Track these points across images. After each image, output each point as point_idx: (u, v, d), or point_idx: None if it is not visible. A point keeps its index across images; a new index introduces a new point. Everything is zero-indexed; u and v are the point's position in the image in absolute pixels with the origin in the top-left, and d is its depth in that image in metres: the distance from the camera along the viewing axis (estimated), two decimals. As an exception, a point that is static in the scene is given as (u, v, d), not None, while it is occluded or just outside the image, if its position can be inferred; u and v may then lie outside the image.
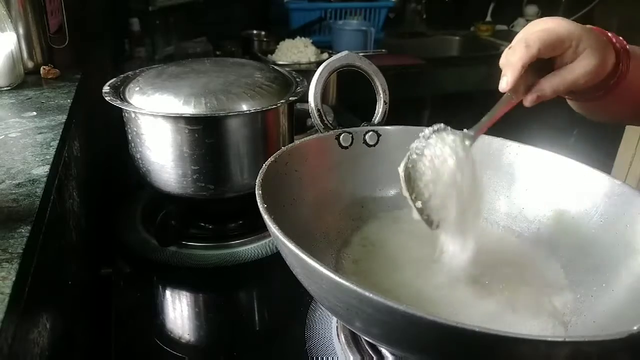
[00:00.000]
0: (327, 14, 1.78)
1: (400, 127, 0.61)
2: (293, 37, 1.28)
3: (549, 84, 0.49)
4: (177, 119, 0.62)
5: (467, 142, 0.48)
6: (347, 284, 0.32)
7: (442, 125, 0.48)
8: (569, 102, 0.61)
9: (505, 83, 0.48)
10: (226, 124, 0.63)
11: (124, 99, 0.67)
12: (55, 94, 0.74)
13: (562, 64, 0.49)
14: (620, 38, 0.53)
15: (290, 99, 0.68)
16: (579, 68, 0.48)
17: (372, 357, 0.49)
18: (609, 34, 0.52)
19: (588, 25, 0.50)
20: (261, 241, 0.70)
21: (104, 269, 0.67)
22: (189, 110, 0.62)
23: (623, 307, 0.43)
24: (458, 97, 1.77)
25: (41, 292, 0.42)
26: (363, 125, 0.61)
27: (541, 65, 0.48)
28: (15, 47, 0.74)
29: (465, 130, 0.49)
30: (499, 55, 0.50)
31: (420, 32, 2.16)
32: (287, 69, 0.81)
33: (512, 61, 0.47)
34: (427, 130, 0.48)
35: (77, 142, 0.72)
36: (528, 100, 0.50)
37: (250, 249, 0.69)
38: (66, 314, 0.52)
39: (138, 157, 0.68)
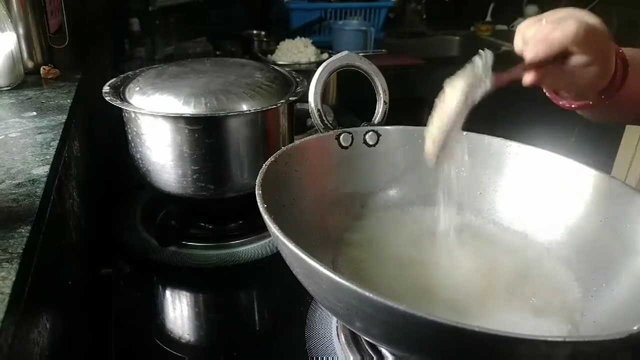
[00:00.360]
0: (327, 14, 1.78)
1: (400, 127, 0.61)
2: (293, 37, 1.28)
3: (553, 77, 0.49)
4: (177, 119, 0.62)
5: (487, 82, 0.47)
6: (347, 284, 0.32)
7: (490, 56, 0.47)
8: None
9: (535, 55, 0.46)
10: (226, 124, 0.63)
11: (124, 99, 0.67)
12: (55, 94, 0.74)
13: (574, 62, 0.48)
14: (627, 59, 0.53)
15: (290, 99, 0.68)
16: (584, 78, 0.49)
17: (372, 357, 0.49)
18: (621, 57, 0.52)
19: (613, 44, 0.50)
20: (261, 241, 0.70)
21: (104, 269, 0.67)
22: (189, 110, 0.62)
23: (623, 307, 0.43)
24: (458, 97, 1.77)
25: (41, 292, 0.42)
26: (363, 125, 0.61)
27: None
28: (15, 47, 0.74)
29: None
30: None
31: (420, 32, 2.16)
32: (287, 69, 0.81)
33: (552, 38, 0.45)
34: (487, 57, 0.47)
35: (77, 142, 0.72)
36: (528, 80, 0.48)
37: (250, 249, 0.69)
38: (66, 314, 0.52)
39: (138, 157, 0.68)
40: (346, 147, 0.59)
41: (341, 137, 0.59)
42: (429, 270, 0.50)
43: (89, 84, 0.83)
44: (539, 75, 0.48)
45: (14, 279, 0.34)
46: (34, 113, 0.65)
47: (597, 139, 1.63)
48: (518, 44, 0.49)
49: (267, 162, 0.50)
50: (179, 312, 0.61)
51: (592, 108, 0.55)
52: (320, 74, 0.60)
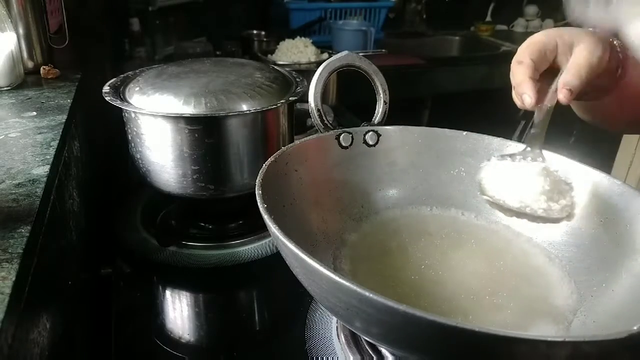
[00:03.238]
0: (327, 14, 1.78)
1: (400, 127, 0.61)
2: (293, 37, 1.28)
3: (571, 74, 0.49)
4: (177, 119, 0.62)
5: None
6: (347, 284, 0.32)
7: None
8: (573, 107, 0.61)
9: (529, 98, 0.49)
10: (226, 124, 0.63)
11: (124, 99, 0.67)
12: (55, 94, 0.73)
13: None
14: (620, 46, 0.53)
15: (290, 99, 0.68)
16: (583, 50, 0.49)
17: (372, 357, 0.49)
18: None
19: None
20: (261, 241, 0.70)
21: (104, 269, 0.67)
22: (189, 110, 0.62)
23: (623, 307, 0.43)
24: (458, 97, 1.77)
25: (41, 292, 0.42)
26: (363, 125, 0.61)
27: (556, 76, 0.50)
28: (15, 47, 0.74)
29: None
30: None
31: (420, 32, 2.16)
32: (287, 69, 0.81)
33: (519, 80, 0.50)
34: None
35: (77, 142, 0.72)
36: (561, 98, 0.49)
37: (250, 249, 0.69)
38: (66, 314, 0.52)
39: (138, 157, 0.68)
40: (346, 147, 0.59)
41: (341, 137, 0.59)
42: (428, 270, 0.50)
43: (89, 84, 0.83)
44: (565, 89, 0.49)
45: (14, 279, 0.34)
46: (34, 113, 0.65)
47: (597, 139, 1.63)
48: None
49: (267, 162, 0.50)
50: (179, 312, 0.61)
51: (616, 86, 0.54)
52: (320, 74, 0.60)
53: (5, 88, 0.74)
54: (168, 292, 0.65)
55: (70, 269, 0.57)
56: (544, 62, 0.51)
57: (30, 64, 0.83)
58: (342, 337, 0.52)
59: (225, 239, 0.71)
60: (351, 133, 0.59)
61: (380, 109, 0.63)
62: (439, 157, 0.60)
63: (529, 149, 0.52)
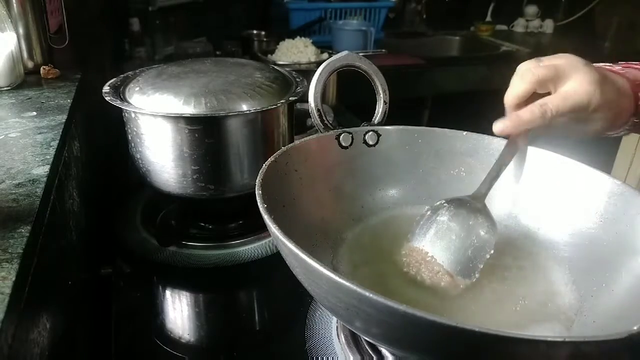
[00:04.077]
0: (327, 14, 1.78)
1: (400, 127, 0.61)
2: (293, 37, 1.28)
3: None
4: (177, 119, 0.62)
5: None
6: (347, 284, 0.32)
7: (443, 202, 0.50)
8: None
9: (503, 128, 0.48)
10: (226, 124, 0.63)
11: (124, 99, 0.67)
12: (55, 94, 0.73)
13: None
14: None
15: (290, 99, 0.68)
16: (583, 130, 0.49)
17: (372, 357, 0.49)
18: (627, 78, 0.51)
19: (607, 70, 0.49)
20: (261, 241, 0.70)
21: (104, 269, 0.67)
22: (189, 110, 0.62)
23: (623, 307, 0.43)
24: (458, 97, 1.77)
25: (41, 292, 0.42)
26: (363, 125, 0.61)
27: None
28: (15, 47, 0.74)
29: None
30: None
31: (420, 32, 2.16)
32: (287, 69, 0.81)
33: (522, 118, 0.47)
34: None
35: (77, 142, 0.72)
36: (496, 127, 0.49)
37: (250, 249, 0.69)
38: (66, 314, 0.52)
39: (138, 157, 0.68)
40: (346, 147, 0.59)
41: (341, 137, 0.59)
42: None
43: (89, 84, 0.83)
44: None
45: (14, 279, 0.34)
46: (34, 113, 0.65)
47: (597, 139, 1.63)
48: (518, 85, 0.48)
49: (267, 162, 0.50)
50: (179, 312, 0.61)
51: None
52: (320, 74, 0.60)
53: (5, 88, 0.74)
54: (168, 292, 0.65)
55: (70, 269, 0.57)
56: (545, 89, 0.48)
57: (30, 64, 0.83)
58: (342, 337, 0.52)
59: (225, 239, 0.71)
60: (351, 133, 0.59)
61: (380, 109, 0.63)
62: (439, 157, 0.60)
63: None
